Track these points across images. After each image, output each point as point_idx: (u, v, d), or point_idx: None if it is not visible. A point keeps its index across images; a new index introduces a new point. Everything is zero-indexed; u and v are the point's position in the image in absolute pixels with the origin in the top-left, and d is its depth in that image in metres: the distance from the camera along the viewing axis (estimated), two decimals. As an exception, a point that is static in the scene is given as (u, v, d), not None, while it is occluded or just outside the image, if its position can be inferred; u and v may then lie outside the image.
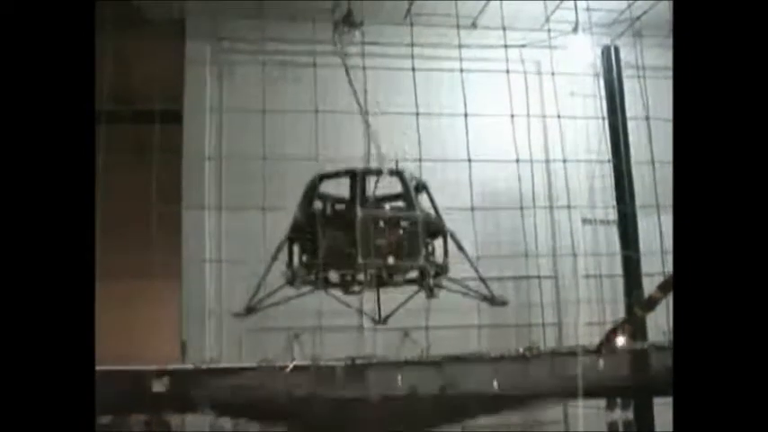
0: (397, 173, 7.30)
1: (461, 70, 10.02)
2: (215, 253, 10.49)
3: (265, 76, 10.54)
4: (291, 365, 7.08)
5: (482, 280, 7.57)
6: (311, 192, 7.30)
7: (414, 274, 7.31)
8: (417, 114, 9.83)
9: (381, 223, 6.94)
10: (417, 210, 7.02)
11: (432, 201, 7.52)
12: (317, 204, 7.32)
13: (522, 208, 10.67)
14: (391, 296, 7.83)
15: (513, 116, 10.53)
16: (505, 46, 10.13)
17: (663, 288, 6.79)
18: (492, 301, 7.58)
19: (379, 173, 7.37)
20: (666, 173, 6.88)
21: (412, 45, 10.01)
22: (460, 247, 7.45)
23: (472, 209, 9.42)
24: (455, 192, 9.63)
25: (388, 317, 7.88)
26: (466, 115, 9.68)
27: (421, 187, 7.53)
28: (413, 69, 9.93)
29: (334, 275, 7.32)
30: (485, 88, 10.87)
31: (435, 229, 7.29)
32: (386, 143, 9.88)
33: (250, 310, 7.50)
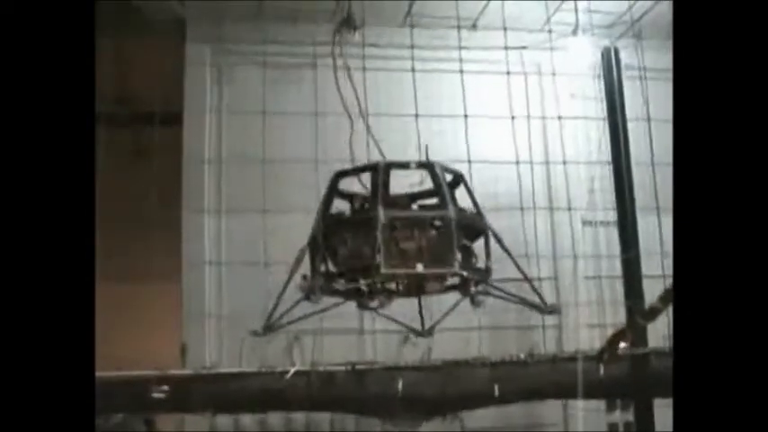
0: (427, 165, 6.42)
1: (461, 71, 10.02)
2: (215, 255, 10.48)
3: (266, 77, 10.54)
4: (292, 371, 7.03)
5: (532, 286, 6.85)
6: (330, 192, 6.54)
7: (455, 280, 6.40)
8: (417, 116, 9.84)
9: (410, 225, 6.05)
10: (451, 207, 6.09)
11: (471, 195, 6.66)
12: (338, 206, 6.55)
13: (521, 209, 10.65)
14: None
15: (513, 118, 10.53)
16: (506, 48, 10.13)
17: (664, 299, 6.61)
18: (543, 309, 6.82)
19: (405, 166, 6.52)
20: (667, 174, 6.86)
21: (412, 47, 10.02)
22: (505, 249, 6.68)
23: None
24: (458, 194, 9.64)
25: (432, 327, 7.16)
26: (466, 116, 9.68)
27: (458, 181, 6.65)
28: (413, 71, 9.93)
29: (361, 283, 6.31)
30: (485, 90, 10.86)
31: (474, 229, 6.41)
32: (386, 146, 9.90)
33: (268, 328, 6.85)
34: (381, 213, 5.88)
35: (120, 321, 11.38)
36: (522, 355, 7.42)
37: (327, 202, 6.52)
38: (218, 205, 10.66)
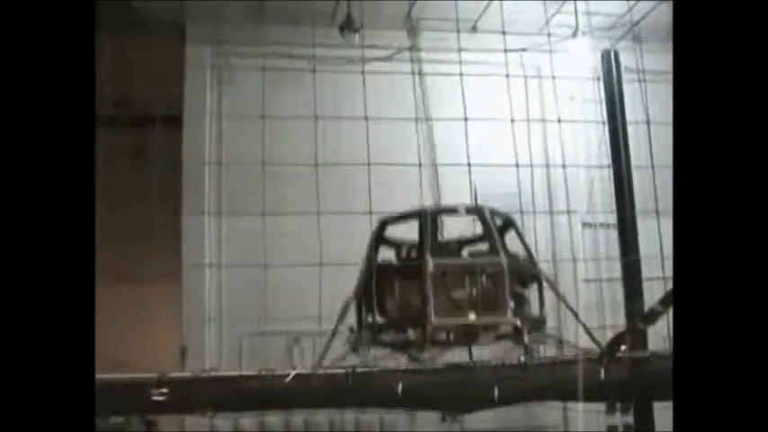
0: (476, 210, 6.26)
1: (461, 74, 10.01)
2: (215, 257, 10.48)
3: (266, 79, 10.54)
4: (293, 374, 6.99)
5: (588, 332, 6.56)
6: (376, 240, 6.36)
7: (508, 328, 6.15)
8: (417, 120, 9.83)
9: (460, 273, 5.84)
10: (502, 254, 5.86)
11: (522, 240, 6.41)
12: (385, 254, 6.36)
13: (521, 212, 10.64)
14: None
15: (512, 121, 10.52)
16: (505, 50, 10.13)
17: (664, 302, 6.55)
18: (601, 361, 6.29)
19: (453, 212, 6.41)
20: (666, 177, 6.83)
21: (411, 50, 10.01)
22: (559, 295, 6.55)
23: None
24: (456, 196, 9.64)
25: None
26: (466, 120, 9.68)
27: (508, 225, 6.43)
28: (413, 74, 9.93)
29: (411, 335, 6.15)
30: (485, 92, 10.85)
31: (527, 275, 6.20)
32: (386, 149, 9.90)
33: None
34: (430, 262, 5.71)
35: (120, 322, 11.36)
36: (523, 358, 7.38)
37: (373, 251, 6.34)
38: (218, 207, 10.66)
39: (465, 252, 6.49)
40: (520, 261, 6.14)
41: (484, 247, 6.25)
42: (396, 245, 6.42)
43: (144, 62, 11.29)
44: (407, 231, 6.48)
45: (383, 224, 6.43)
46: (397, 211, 6.54)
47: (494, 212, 6.26)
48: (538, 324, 6.16)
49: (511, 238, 6.52)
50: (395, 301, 5.91)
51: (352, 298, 6.28)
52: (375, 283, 6.09)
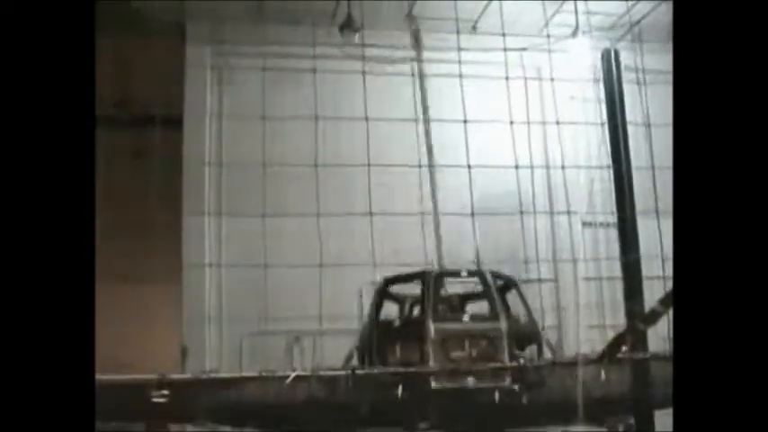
0: (478, 273, 6.41)
1: (461, 76, 10.00)
2: (215, 258, 10.47)
3: (266, 79, 10.54)
4: (293, 376, 6.98)
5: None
6: (378, 298, 6.51)
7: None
8: (417, 120, 9.81)
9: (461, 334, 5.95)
10: (502, 318, 5.99)
11: (524, 303, 6.48)
12: (388, 312, 6.49)
13: (521, 213, 10.63)
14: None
15: (512, 123, 10.52)
16: (505, 50, 10.11)
17: (664, 302, 6.54)
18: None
19: (456, 275, 6.56)
20: (666, 177, 6.81)
21: (417, 53, 10.00)
22: (558, 359, 6.54)
23: (472, 214, 9.40)
24: (456, 197, 9.64)
25: None
26: (465, 122, 9.66)
27: (510, 286, 6.55)
28: (413, 75, 9.91)
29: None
30: (485, 92, 10.84)
31: (527, 336, 6.30)
32: (386, 149, 9.88)
33: None
34: (431, 327, 5.84)
35: (120, 322, 11.36)
36: (522, 360, 7.37)
37: (376, 307, 6.48)
38: (219, 207, 10.65)
39: (468, 306, 6.67)
40: (520, 324, 6.28)
41: (486, 304, 6.39)
42: (399, 300, 6.61)
43: (144, 62, 11.29)
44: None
45: (387, 283, 6.62)
46: (400, 268, 6.78)
47: (496, 275, 6.39)
48: (537, 385, 6.22)
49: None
50: (395, 360, 6.05)
51: (354, 352, 6.51)
52: (377, 340, 6.25)
